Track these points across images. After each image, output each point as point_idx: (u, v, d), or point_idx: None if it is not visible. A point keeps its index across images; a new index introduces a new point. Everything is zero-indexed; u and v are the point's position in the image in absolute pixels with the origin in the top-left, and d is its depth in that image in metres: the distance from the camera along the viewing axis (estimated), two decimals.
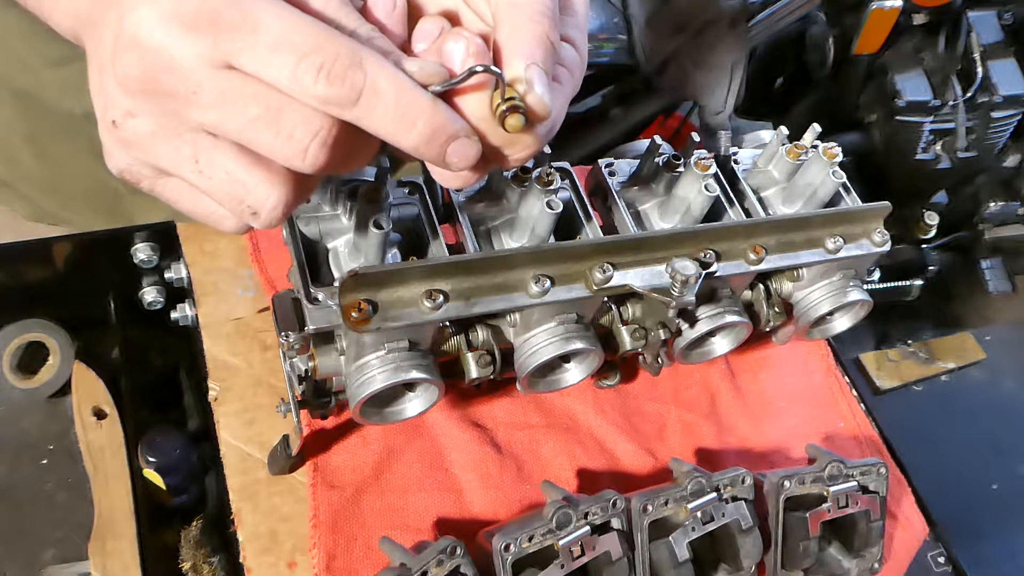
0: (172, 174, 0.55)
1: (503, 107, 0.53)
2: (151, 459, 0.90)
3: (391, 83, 0.50)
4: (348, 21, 0.52)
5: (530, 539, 0.73)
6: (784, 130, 0.86)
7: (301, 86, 0.49)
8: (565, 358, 0.80)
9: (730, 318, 0.82)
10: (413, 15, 0.59)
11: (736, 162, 0.87)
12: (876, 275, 0.92)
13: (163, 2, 0.48)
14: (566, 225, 0.78)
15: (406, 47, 0.56)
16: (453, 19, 0.61)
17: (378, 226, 0.68)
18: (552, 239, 0.76)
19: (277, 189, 0.53)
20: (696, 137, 0.82)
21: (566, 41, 0.60)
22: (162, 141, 0.52)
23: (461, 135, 0.53)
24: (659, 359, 0.84)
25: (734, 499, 0.82)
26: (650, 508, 0.78)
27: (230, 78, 0.49)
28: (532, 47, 0.54)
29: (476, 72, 0.52)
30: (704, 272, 0.75)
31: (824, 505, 0.85)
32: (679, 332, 0.82)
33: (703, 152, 0.81)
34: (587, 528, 0.75)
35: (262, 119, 0.50)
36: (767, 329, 0.89)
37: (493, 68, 0.52)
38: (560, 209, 0.73)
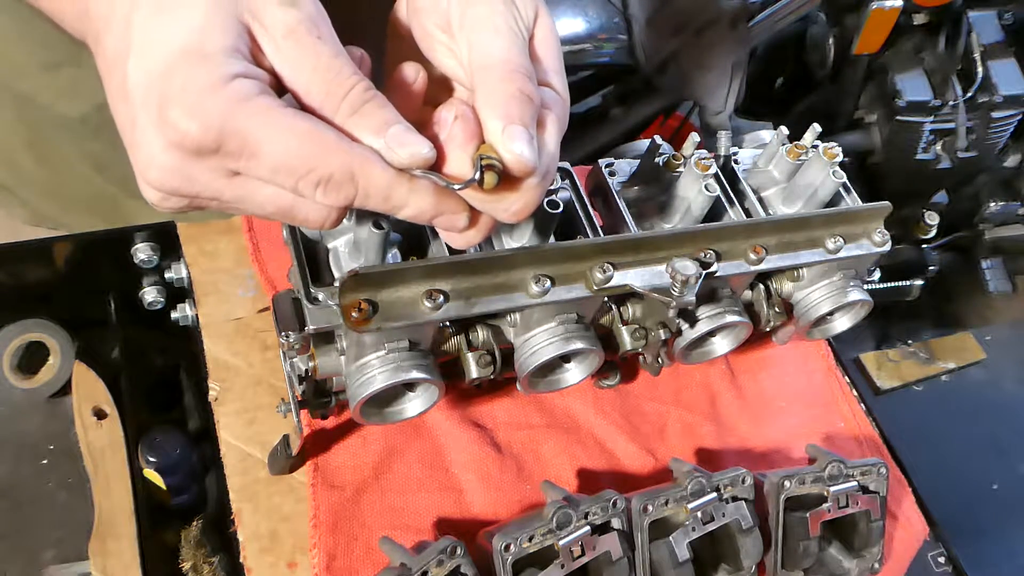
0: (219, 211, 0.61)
1: (478, 167, 0.57)
2: (151, 459, 0.90)
3: (379, 186, 0.56)
4: (342, 80, 0.56)
5: (530, 539, 0.73)
6: (784, 130, 0.86)
7: (303, 195, 0.55)
8: (565, 358, 0.80)
9: (730, 318, 0.82)
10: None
11: (736, 162, 0.87)
12: (876, 275, 0.92)
13: (167, 130, 0.53)
14: (566, 225, 0.78)
15: (427, 111, 0.61)
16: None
17: (378, 226, 0.68)
18: (552, 239, 0.76)
19: (312, 227, 0.60)
20: (696, 137, 0.82)
21: (544, 85, 0.63)
22: (202, 205, 0.59)
23: (446, 213, 0.59)
24: (659, 359, 0.84)
25: (734, 499, 0.82)
26: (650, 508, 0.78)
27: (244, 183, 0.56)
28: (507, 106, 0.58)
29: (455, 188, 0.57)
30: (704, 272, 0.75)
31: (824, 505, 0.84)
32: (679, 332, 0.82)
33: (703, 152, 0.81)
34: (587, 528, 0.75)
35: (277, 213, 0.58)
36: (767, 329, 0.89)
37: (453, 185, 0.57)
38: (560, 209, 0.73)
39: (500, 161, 0.57)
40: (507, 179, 0.58)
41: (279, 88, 0.56)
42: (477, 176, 0.56)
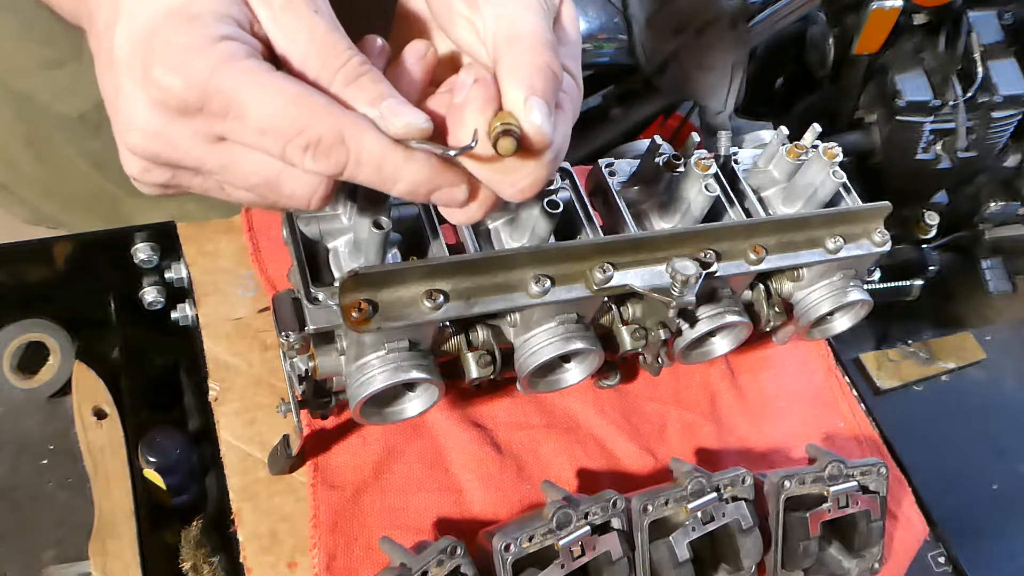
0: (202, 193, 0.59)
1: (497, 131, 0.54)
2: (151, 459, 0.90)
3: (372, 152, 0.54)
4: (339, 52, 0.55)
5: (530, 539, 0.73)
6: (784, 130, 0.86)
7: (292, 161, 0.53)
8: (565, 358, 0.80)
9: (730, 318, 0.82)
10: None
11: (736, 162, 0.87)
12: (876, 275, 0.92)
13: (150, 89, 0.51)
14: (566, 225, 0.78)
15: (428, 89, 0.60)
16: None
17: (378, 226, 0.68)
18: (552, 239, 0.76)
19: (299, 203, 0.57)
20: (696, 137, 0.82)
21: (564, 70, 0.61)
22: (184, 180, 0.57)
23: (443, 186, 0.57)
24: (659, 359, 0.84)
25: (734, 499, 0.82)
26: (650, 508, 0.78)
27: (228, 149, 0.54)
28: (533, 77, 0.56)
29: (452, 154, 0.55)
30: (704, 272, 0.75)
31: (824, 505, 0.84)
32: (679, 332, 0.82)
33: (703, 152, 0.81)
34: (587, 528, 0.75)
35: (263, 184, 0.55)
36: (767, 329, 0.89)
37: (449, 151, 0.56)
38: (560, 209, 0.73)
39: (519, 128, 0.55)
40: (519, 152, 0.56)
41: (272, 60, 0.55)
42: (474, 143, 0.55)
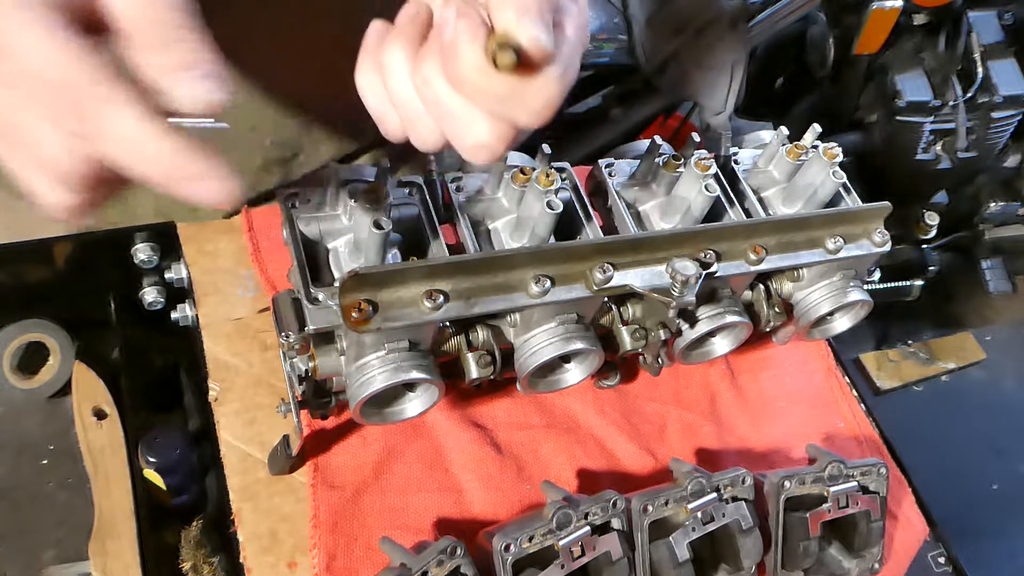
0: None
1: (494, 48, 0.52)
2: (151, 459, 0.90)
3: (126, 123, 0.49)
4: (168, 9, 0.50)
5: (530, 539, 0.73)
6: (784, 130, 0.86)
7: (39, 113, 0.50)
8: (565, 358, 0.80)
9: (730, 318, 0.82)
10: None
11: (736, 162, 0.87)
12: (876, 275, 0.92)
13: None
14: (566, 225, 0.78)
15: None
16: None
17: (378, 226, 0.68)
18: (552, 239, 0.76)
19: (53, 196, 0.53)
20: (696, 137, 0.82)
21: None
22: None
23: (201, 176, 0.50)
24: (659, 359, 0.84)
25: (734, 499, 0.82)
26: (650, 508, 0.78)
27: None
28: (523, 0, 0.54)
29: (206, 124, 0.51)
30: (704, 272, 0.75)
31: (824, 505, 0.85)
32: (679, 332, 0.82)
33: (703, 152, 0.81)
34: (587, 528, 0.75)
35: (11, 132, 0.51)
36: (767, 329, 0.89)
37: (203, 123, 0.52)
38: (560, 209, 0.73)
39: (517, 44, 0.52)
40: (524, 70, 0.53)
41: (97, 28, 0.51)
42: (225, 124, 0.51)
